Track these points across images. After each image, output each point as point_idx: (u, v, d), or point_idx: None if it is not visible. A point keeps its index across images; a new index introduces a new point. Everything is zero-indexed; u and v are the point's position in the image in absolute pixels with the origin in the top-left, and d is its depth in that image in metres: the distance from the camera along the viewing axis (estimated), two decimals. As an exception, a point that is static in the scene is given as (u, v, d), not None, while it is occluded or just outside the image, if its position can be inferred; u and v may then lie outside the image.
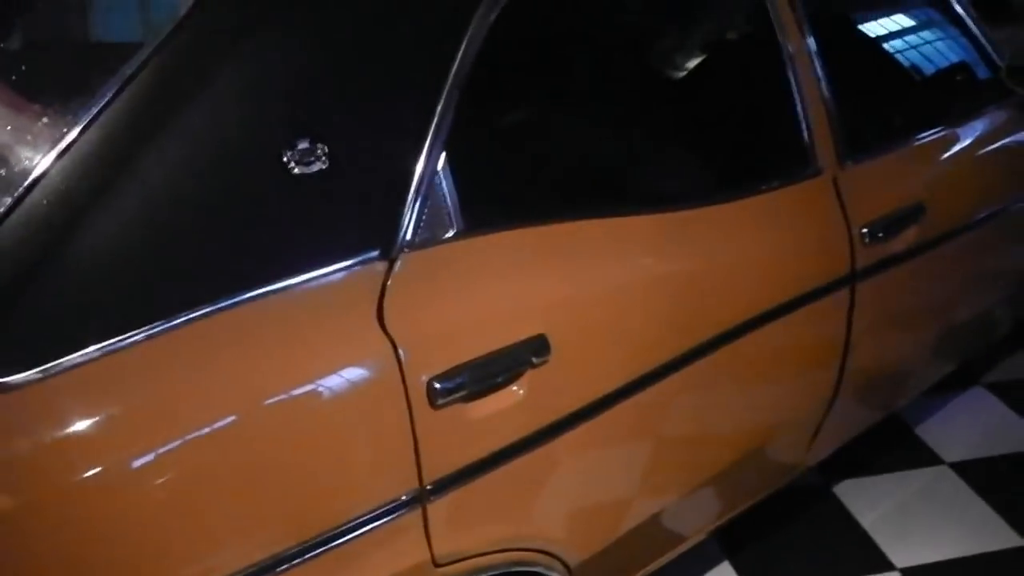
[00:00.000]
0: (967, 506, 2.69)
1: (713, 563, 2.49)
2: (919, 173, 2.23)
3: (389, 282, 1.40)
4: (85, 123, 1.29)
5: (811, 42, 2.02)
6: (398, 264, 1.42)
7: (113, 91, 1.33)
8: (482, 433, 1.48)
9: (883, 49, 2.40)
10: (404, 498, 1.40)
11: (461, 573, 1.51)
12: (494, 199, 1.57)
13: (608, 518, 1.75)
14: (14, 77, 1.52)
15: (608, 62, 1.85)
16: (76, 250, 1.24)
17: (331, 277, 1.37)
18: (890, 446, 2.92)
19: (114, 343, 1.21)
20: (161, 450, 1.21)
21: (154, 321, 1.24)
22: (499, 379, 1.47)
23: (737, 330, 1.81)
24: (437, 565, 1.47)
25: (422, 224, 1.44)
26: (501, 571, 1.58)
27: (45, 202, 1.25)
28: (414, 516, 1.42)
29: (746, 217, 1.87)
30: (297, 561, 1.31)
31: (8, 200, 1.25)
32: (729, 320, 1.80)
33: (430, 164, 1.45)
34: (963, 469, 2.82)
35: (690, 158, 1.92)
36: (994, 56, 2.53)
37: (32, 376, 1.17)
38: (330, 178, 1.38)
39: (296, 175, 1.35)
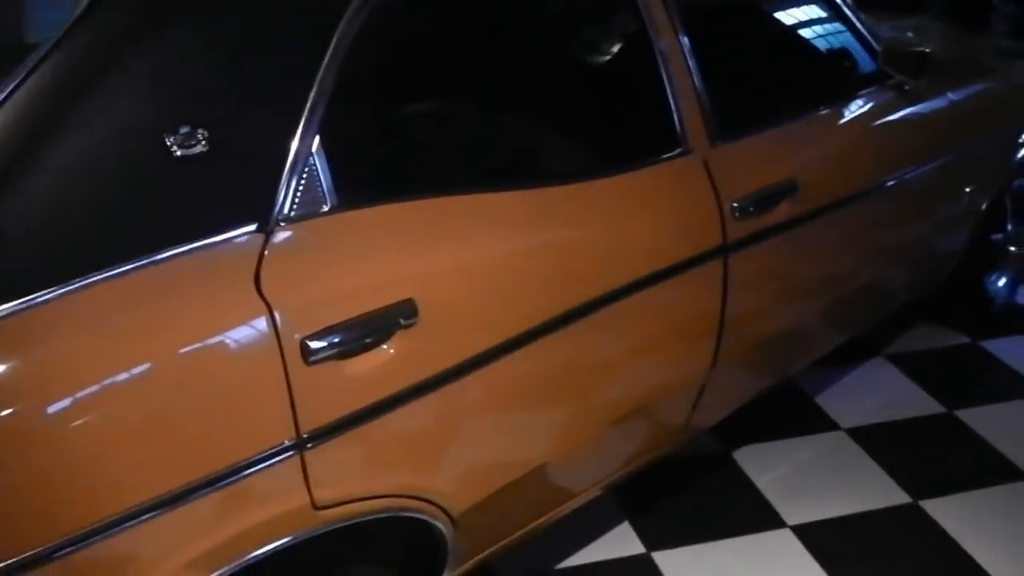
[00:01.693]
0: (859, 468, 2.86)
1: (613, 524, 2.65)
2: (791, 152, 2.39)
3: (266, 252, 1.56)
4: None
5: (681, 31, 2.18)
6: (274, 236, 1.58)
7: (13, 84, 1.48)
8: (356, 389, 1.63)
9: (758, 36, 2.56)
10: (284, 445, 1.56)
11: (341, 517, 1.67)
12: (366, 177, 1.73)
13: (486, 470, 1.91)
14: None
15: (481, 47, 2.01)
16: None
17: (214, 248, 1.53)
18: (789, 414, 3.10)
19: (20, 304, 1.37)
20: (62, 400, 1.37)
21: (54, 285, 1.40)
22: (369, 339, 1.63)
23: (607, 298, 1.97)
24: (316, 508, 1.62)
25: (297, 200, 1.60)
26: (382, 516, 1.74)
27: None
28: (293, 463, 1.58)
29: (616, 193, 2.03)
30: (190, 498, 1.47)
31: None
32: (599, 289, 1.96)
33: (304, 146, 1.61)
34: (859, 435, 3.00)
35: (562, 139, 2.08)
36: (874, 43, 2.70)
37: None
38: (210, 159, 1.53)
39: (178, 156, 1.50)
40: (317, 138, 1.62)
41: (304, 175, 1.61)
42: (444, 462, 1.81)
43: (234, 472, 1.52)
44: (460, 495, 1.86)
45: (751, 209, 2.23)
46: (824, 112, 2.53)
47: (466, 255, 1.77)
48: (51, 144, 1.47)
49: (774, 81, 2.49)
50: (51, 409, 1.37)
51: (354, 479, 1.67)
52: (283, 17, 1.65)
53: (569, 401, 2.01)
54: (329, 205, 1.64)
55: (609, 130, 2.16)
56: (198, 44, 1.59)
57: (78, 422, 1.38)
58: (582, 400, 2.04)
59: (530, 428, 1.95)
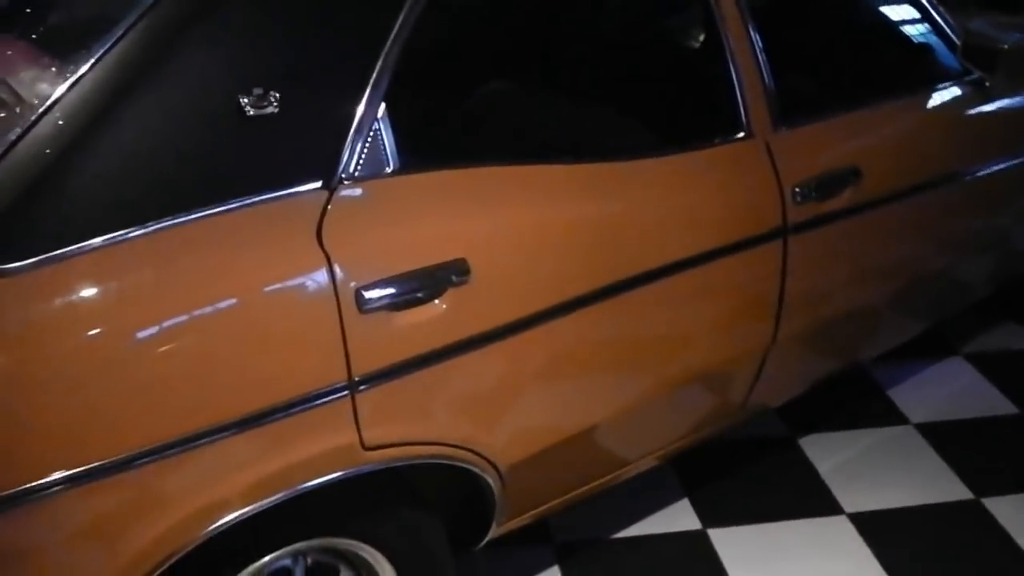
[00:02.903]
0: (923, 462, 2.88)
1: (672, 499, 2.73)
2: (856, 139, 2.42)
3: (328, 207, 1.69)
4: (87, 68, 1.62)
5: (748, 13, 2.23)
6: (337, 193, 1.70)
7: (108, 45, 1.64)
8: (406, 339, 1.75)
9: (829, 23, 2.60)
10: (335, 386, 1.69)
11: (387, 458, 1.79)
12: (426, 144, 1.85)
13: (534, 428, 2.01)
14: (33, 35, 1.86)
15: (544, 23, 2.11)
16: (78, 164, 1.56)
17: (281, 200, 1.66)
18: (858, 404, 3.12)
19: (109, 238, 1.53)
20: (146, 328, 1.53)
21: (138, 224, 1.55)
22: (421, 294, 1.74)
23: (661, 271, 2.05)
24: (365, 447, 1.75)
25: (360, 162, 1.72)
26: (429, 462, 1.85)
27: (58, 122, 1.57)
28: (344, 403, 1.71)
29: (674, 172, 2.10)
30: (249, 426, 1.61)
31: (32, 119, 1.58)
32: (653, 262, 2.04)
33: (369, 111, 1.73)
34: (927, 430, 3.01)
35: (621, 118, 2.16)
36: (953, 36, 2.71)
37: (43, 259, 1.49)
38: (280, 119, 1.67)
39: (250, 116, 1.64)
40: (383, 105, 1.75)
41: (368, 139, 1.73)
42: (492, 416, 1.92)
43: (290, 406, 1.65)
44: (508, 450, 1.96)
45: (812, 194, 2.28)
46: (895, 102, 2.55)
47: (520, 221, 1.87)
48: (140, 97, 1.62)
49: (843, 69, 2.53)
50: (139, 334, 1.53)
51: (402, 424, 1.79)
52: None
53: (622, 367, 2.10)
54: (390, 168, 1.76)
55: (669, 111, 2.24)
56: (275, 11, 1.73)
57: (158, 349, 1.54)
58: (635, 367, 2.12)
59: (580, 391, 2.04)
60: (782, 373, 2.51)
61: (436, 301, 1.77)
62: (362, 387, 1.72)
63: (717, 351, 2.29)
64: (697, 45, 2.27)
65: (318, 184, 1.70)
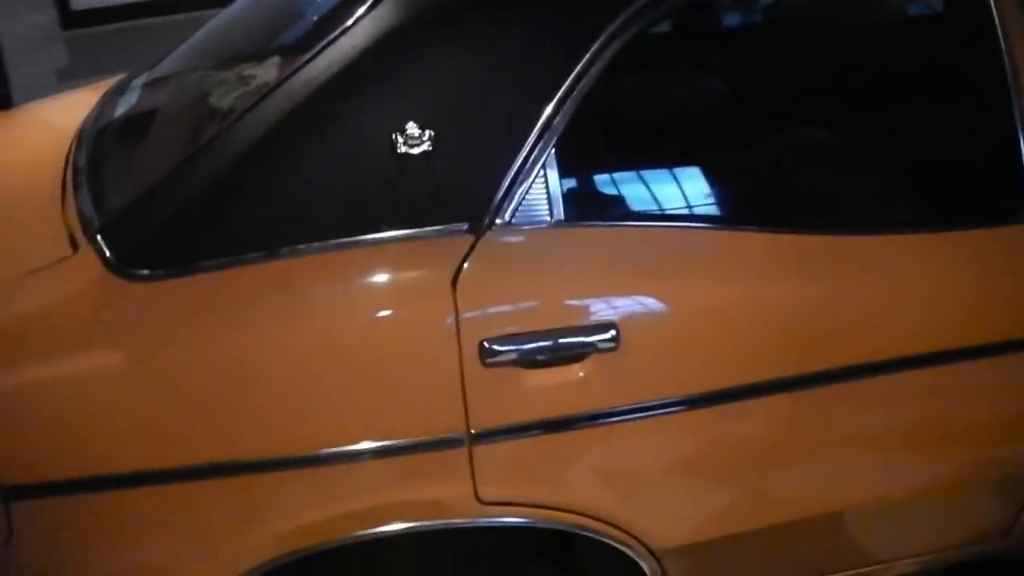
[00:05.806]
0: None
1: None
2: None
3: (472, 251, 1.64)
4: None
5: None
6: (484, 238, 1.65)
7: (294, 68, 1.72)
8: (534, 399, 1.66)
9: None
10: (452, 436, 1.65)
11: (507, 515, 1.72)
12: (595, 196, 1.73)
13: (697, 516, 1.83)
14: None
15: (729, 74, 1.88)
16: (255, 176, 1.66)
17: (423, 238, 1.64)
18: None
19: (264, 253, 1.62)
20: (289, 346, 1.61)
21: (291, 243, 1.62)
22: (558, 355, 1.65)
23: (863, 369, 1.78)
24: (481, 501, 1.69)
25: (512, 209, 1.66)
26: (554, 528, 1.76)
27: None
28: (460, 454, 1.66)
29: (906, 255, 1.81)
30: (363, 457, 1.63)
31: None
32: (847, 359, 1.78)
33: (535, 156, 1.66)
34: None
35: (842, 184, 1.88)
36: None
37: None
38: (432, 159, 1.64)
39: (400, 153, 1.63)
40: (552, 151, 1.66)
41: (525, 186, 1.66)
42: (636, 494, 1.78)
43: (406, 448, 1.64)
44: (664, 533, 1.81)
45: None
46: None
47: (691, 292, 1.71)
48: (312, 124, 1.67)
49: None
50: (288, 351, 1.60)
51: (525, 485, 1.71)
52: (532, 35, 1.69)
53: (806, 468, 1.85)
54: (551, 218, 1.68)
55: (916, 180, 1.92)
56: (441, 52, 1.70)
57: (298, 364, 1.60)
58: (822, 471, 1.86)
59: (747, 486, 1.83)
60: None
61: (575, 365, 1.66)
62: (482, 440, 1.66)
63: (946, 467, 1.95)
64: (967, 95, 1.92)
65: (464, 227, 1.65)
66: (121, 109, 2.24)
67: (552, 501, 1.74)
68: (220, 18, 2.43)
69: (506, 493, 1.71)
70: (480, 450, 1.67)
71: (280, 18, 2.15)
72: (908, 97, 1.97)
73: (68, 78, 4.14)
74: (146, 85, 2.32)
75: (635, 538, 1.80)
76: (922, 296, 1.81)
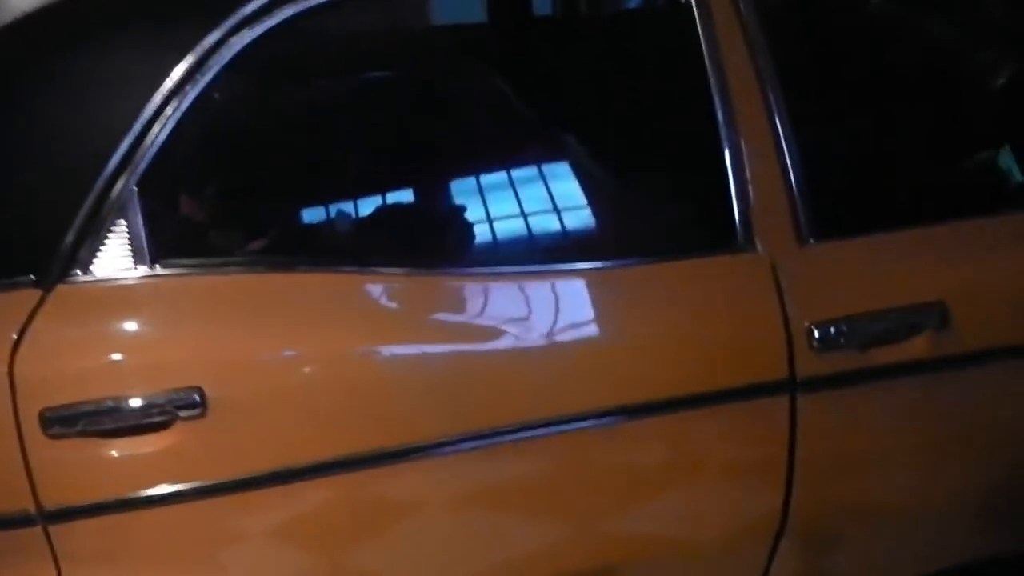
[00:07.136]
0: None
1: None
2: (935, 267, 1.61)
3: (38, 310, 1.45)
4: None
5: (772, 73, 1.57)
6: (53, 293, 1.46)
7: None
8: (110, 474, 1.47)
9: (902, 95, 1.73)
10: (21, 515, 1.47)
11: None
12: (181, 242, 1.54)
13: None
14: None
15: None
16: None
17: None
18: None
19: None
20: None
21: None
22: (131, 424, 1.45)
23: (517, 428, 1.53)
24: None
25: (89, 259, 1.47)
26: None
27: None
28: (33, 533, 1.47)
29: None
30: None
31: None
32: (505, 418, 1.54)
33: (104, 206, 1.47)
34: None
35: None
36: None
37: None
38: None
39: None
40: (126, 197, 1.48)
41: (101, 233, 1.47)
42: None
43: None
44: None
45: (840, 339, 1.56)
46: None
47: (277, 346, 1.50)
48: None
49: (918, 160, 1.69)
50: None
51: (114, 568, 1.52)
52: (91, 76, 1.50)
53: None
54: (130, 268, 1.48)
55: (624, 210, 1.65)
56: None
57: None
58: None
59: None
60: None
61: (158, 435, 1.47)
62: (58, 520, 1.47)
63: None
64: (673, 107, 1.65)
65: (30, 279, 1.47)
66: None
67: None
68: None
69: (94, 576, 1.52)
70: (58, 530, 1.48)
71: None
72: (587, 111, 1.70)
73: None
74: None
75: None
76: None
